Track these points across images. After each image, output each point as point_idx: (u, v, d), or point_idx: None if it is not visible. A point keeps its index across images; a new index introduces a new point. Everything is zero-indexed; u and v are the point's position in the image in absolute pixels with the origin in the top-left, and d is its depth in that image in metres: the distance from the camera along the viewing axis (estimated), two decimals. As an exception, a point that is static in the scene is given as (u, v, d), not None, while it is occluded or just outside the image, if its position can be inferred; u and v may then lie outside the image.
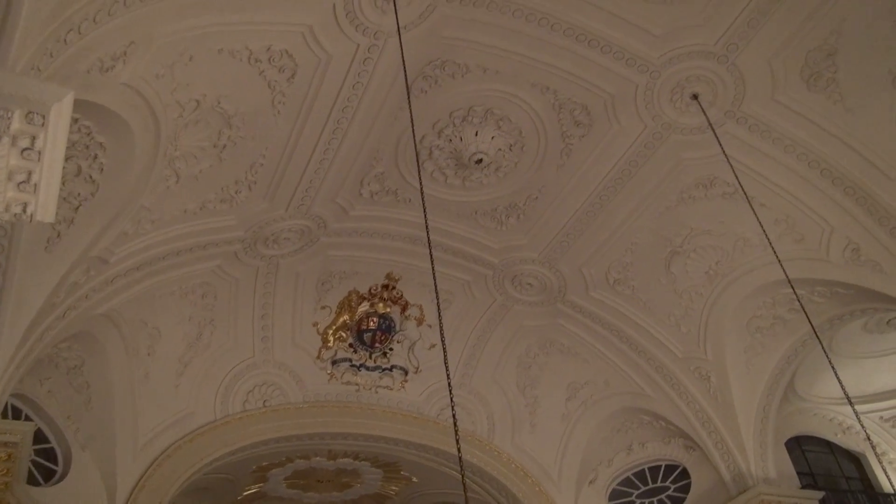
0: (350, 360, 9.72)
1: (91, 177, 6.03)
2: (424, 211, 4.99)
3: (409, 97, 5.86)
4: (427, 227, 4.96)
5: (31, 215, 4.33)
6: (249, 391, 9.50)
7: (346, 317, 9.54)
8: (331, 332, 9.56)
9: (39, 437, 8.02)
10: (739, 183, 7.09)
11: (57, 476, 8.11)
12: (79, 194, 6.10)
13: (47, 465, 8.12)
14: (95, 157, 5.91)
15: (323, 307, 9.51)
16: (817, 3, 6.42)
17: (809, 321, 5.55)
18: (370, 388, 9.92)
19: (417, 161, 5.30)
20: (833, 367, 5.25)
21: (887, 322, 9.57)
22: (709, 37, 6.78)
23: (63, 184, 5.40)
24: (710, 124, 7.18)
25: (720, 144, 7.11)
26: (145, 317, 8.45)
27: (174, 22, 5.42)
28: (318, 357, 9.69)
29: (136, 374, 8.64)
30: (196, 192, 7.29)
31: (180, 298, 8.66)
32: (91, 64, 4.99)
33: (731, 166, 7.07)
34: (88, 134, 5.73)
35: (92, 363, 8.26)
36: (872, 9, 6.47)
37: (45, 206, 4.34)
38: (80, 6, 4.52)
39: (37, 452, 7.97)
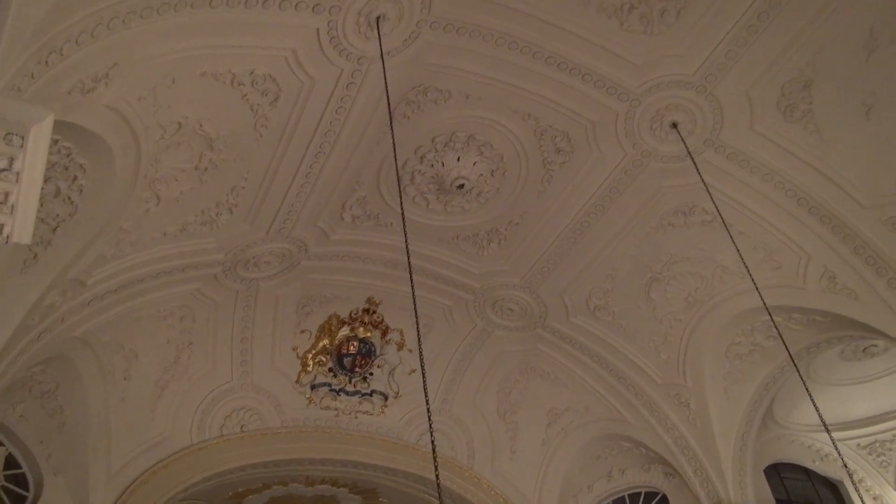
0: (329, 385, 9.65)
1: (70, 198, 5.97)
2: (405, 235, 5.00)
3: (391, 122, 5.89)
4: (408, 251, 4.97)
5: (8, 237, 4.28)
6: (227, 416, 9.39)
7: (326, 341, 9.48)
8: (310, 356, 9.49)
9: (11, 462, 7.87)
10: (718, 211, 7.17)
11: (28, 502, 7.95)
12: (57, 216, 6.04)
13: (18, 490, 7.96)
14: (75, 178, 5.86)
15: (303, 331, 9.45)
16: (792, 37, 6.56)
17: (787, 348, 5.59)
18: (349, 413, 9.84)
19: (399, 186, 5.31)
20: (810, 395, 5.28)
21: (863, 350, 9.67)
22: (688, 67, 6.88)
23: (41, 205, 5.34)
24: (689, 153, 7.27)
25: (699, 173, 7.20)
26: (122, 340, 8.35)
27: (157, 45, 5.42)
28: (297, 381, 9.61)
29: (111, 398, 8.51)
30: (176, 214, 7.25)
31: (158, 321, 8.58)
32: (72, 85, 4.96)
33: (710, 194, 7.15)
34: (68, 155, 5.69)
35: (66, 387, 8.13)
36: (846, 42, 6.61)
37: (22, 228, 4.30)
38: (62, 28, 4.51)
39: (7, 478, 7.81)
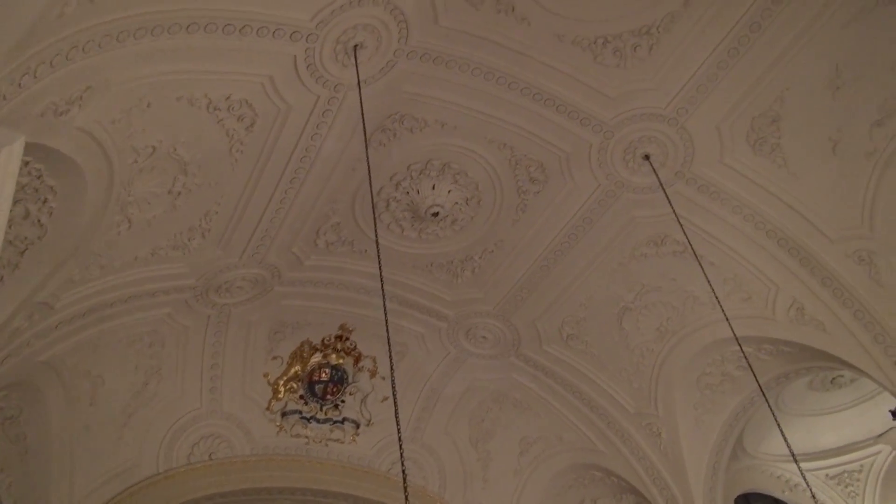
0: (300, 412, 9.54)
1: (39, 221, 5.89)
2: (379, 262, 5.00)
3: (367, 150, 5.92)
4: (381, 278, 4.96)
5: (-26, 259, 4.21)
6: (195, 443, 9.22)
7: (297, 367, 9.39)
8: (282, 382, 9.39)
9: (-31, 490, 7.65)
10: (689, 242, 7.27)
11: (-14, 532, 7.73)
12: (25, 238, 5.95)
13: (-24, 520, 7.74)
14: (45, 200, 5.79)
15: (274, 357, 9.36)
16: (762, 73, 6.73)
17: (756, 379, 5.65)
18: (320, 442, 9.72)
19: (374, 213, 5.32)
20: (779, 425, 5.33)
21: (831, 380, 9.79)
22: (660, 100, 7.01)
23: (9, 227, 5.27)
24: (660, 184, 7.38)
25: (670, 204, 7.30)
26: (89, 365, 8.19)
27: (133, 68, 5.41)
28: (267, 409, 9.49)
29: (76, 424, 8.33)
30: (148, 238, 7.18)
31: (127, 346, 8.44)
32: (45, 107, 4.93)
33: (681, 225, 7.25)
34: (39, 177, 5.62)
35: (30, 413, 7.94)
36: (813, 79, 6.80)
37: (-11, 250, 4.23)
38: (36, 50, 4.49)
39: (-35, 507, 7.60)
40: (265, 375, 9.37)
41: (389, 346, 4.40)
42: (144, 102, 5.81)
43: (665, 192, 7.34)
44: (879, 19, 6.36)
